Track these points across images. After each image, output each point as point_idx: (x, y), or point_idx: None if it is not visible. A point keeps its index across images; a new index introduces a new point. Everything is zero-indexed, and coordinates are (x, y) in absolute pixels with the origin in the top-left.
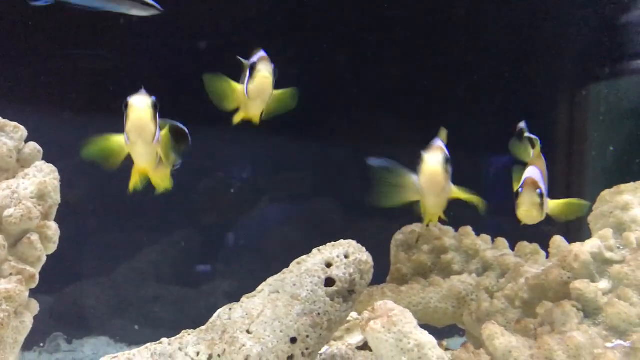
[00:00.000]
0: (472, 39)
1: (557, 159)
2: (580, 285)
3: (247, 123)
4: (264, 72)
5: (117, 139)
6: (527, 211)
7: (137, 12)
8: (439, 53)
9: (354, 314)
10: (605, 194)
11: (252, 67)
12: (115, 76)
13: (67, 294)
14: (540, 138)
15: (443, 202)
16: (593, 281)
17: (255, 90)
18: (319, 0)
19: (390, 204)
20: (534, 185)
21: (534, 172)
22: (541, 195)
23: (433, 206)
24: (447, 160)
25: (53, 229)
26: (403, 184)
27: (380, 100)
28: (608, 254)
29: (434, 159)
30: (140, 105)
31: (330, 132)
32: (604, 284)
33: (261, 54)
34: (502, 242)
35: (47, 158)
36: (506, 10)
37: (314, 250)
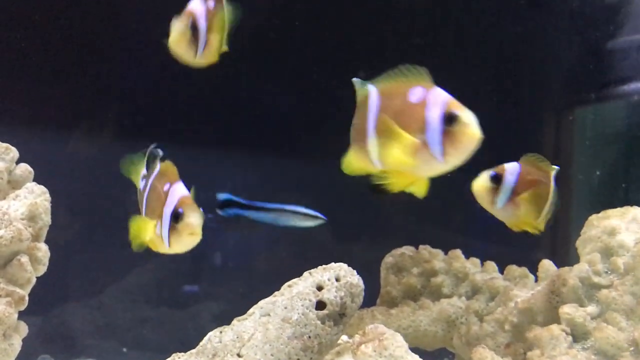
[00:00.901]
0: (460, 63)
1: None
2: (569, 309)
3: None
4: None
5: None
6: (478, 186)
7: (305, 223)
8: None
9: (344, 337)
10: (593, 218)
11: None
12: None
13: (55, 316)
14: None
15: None
16: (582, 305)
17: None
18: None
19: None
20: (498, 169)
21: (512, 165)
22: (496, 179)
23: None
24: None
25: (43, 251)
26: None
27: None
28: (596, 279)
29: None
30: None
31: (320, 155)
32: (592, 308)
33: None
34: (491, 265)
35: (37, 179)
36: (495, 37)
37: (305, 273)
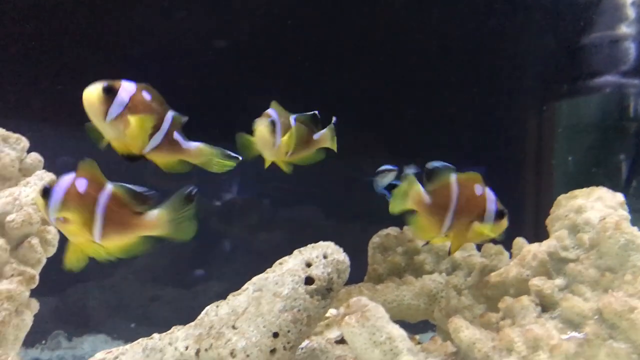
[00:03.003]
0: (446, 63)
1: (527, 168)
2: (538, 282)
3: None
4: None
5: None
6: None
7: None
8: (414, 74)
9: (333, 311)
10: (561, 198)
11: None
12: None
13: (69, 295)
14: (510, 150)
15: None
16: (550, 278)
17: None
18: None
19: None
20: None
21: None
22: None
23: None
24: (273, 124)
25: (52, 233)
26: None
27: (361, 114)
28: (563, 253)
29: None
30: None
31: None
32: (559, 280)
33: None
34: (469, 244)
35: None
36: (477, 37)
37: (295, 252)
